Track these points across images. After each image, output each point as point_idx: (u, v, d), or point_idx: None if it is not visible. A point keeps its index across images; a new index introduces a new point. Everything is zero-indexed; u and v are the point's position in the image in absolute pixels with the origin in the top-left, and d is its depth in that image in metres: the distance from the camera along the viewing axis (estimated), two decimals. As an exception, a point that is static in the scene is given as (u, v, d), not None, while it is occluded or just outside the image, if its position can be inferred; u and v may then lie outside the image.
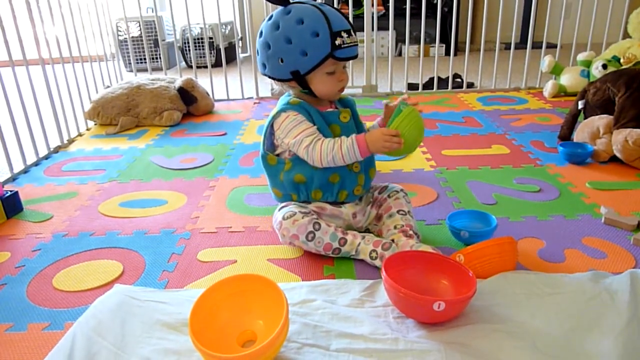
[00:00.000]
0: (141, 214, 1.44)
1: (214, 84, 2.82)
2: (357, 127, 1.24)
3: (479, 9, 3.81)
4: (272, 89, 2.83)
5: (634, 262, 1.10)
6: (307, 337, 0.87)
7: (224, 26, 4.02)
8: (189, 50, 3.15)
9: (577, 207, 1.37)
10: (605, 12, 2.65)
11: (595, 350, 0.81)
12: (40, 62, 2.03)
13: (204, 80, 2.71)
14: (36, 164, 1.93)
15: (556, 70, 2.68)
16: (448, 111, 2.42)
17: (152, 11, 3.95)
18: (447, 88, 2.85)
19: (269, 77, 1.17)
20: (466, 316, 0.90)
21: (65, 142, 2.17)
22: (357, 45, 1.13)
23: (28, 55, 1.89)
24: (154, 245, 1.27)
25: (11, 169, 1.79)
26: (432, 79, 2.88)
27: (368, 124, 1.30)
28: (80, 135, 2.31)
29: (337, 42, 1.07)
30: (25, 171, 1.85)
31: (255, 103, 2.76)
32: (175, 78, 2.60)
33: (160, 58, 3.85)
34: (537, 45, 2.86)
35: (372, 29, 2.75)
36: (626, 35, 2.60)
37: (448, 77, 2.88)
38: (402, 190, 1.25)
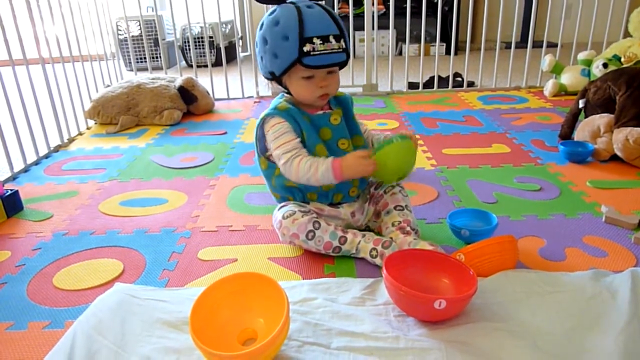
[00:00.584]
0: (141, 213, 1.44)
1: (214, 83, 2.82)
2: (350, 127, 1.21)
3: (479, 7, 3.81)
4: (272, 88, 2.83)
5: (634, 260, 1.10)
6: (308, 335, 0.87)
7: (224, 25, 4.02)
8: (189, 49, 3.15)
9: (578, 205, 1.37)
10: (605, 11, 2.65)
11: (596, 349, 0.81)
12: (40, 62, 2.03)
13: (204, 80, 2.71)
14: (36, 163, 1.93)
15: (557, 69, 2.68)
16: (448, 110, 2.42)
17: (152, 10, 3.95)
18: (448, 87, 2.85)
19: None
20: (467, 315, 0.90)
21: (66, 141, 2.17)
22: (335, 52, 1.05)
23: (28, 54, 1.89)
24: (154, 244, 1.27)
25: (11, 168, 1.79)
26: (432, 78, 2.88)
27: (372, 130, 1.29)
28: (80, 134, 2.31)
29: (306, 48, 1.03)
30: (25, 170, 1.85)
31: (255, 102, 2.76)
32: (176, 77, 2.60)
33: (160, 57, 3.85)
34: (537, 44, 2.86)
35: (373, 28, 2.74)
36: (627, 34, 2.60)
37: (448, 76, 2.88)
38: (398, 184, 1.25)
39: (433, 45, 4.22)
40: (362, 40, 3.92)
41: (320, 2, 1.09)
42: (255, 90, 2.84)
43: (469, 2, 2.66)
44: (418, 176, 1.61)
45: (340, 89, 1.19)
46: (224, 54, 2.80)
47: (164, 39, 3.86)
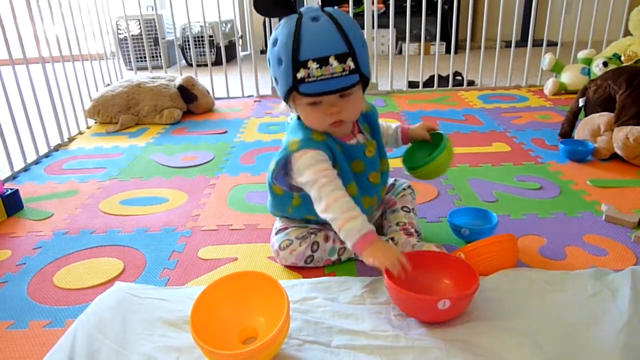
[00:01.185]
0: (142, 212, 1.44)
1: (214, 82, 2.82)
2: (379, 151, 1.09)
3: (479, 6, 3.81)
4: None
5: (634, 259, 1.10)
6: (309, 334, 0.87)
7: (224, 24, 4.02)
8: (189, 48, 3.15)
9: (578, 204, 1.37)
10: (606, 9, 2.65)
11: (596, 347, 0.81)
12: (40, 61, 2.03)
13: (204, 79, 2.71)
14: (36, 162, 1.93)
15: (557, 68, 2.68)
16: (449, 109, 2.42)
17: (152, 9, 3.95)
18: (448, 86, 2.85)
19: None
20: (467, 313, 0.90)
21: (66, 140, 2.17)
22: (337, 77, 0.88)
23: (28, 53, 1.89)
24: (154, 242, 1.27)
25: (11, 167, 1.79)
26: (432, 77, 2.88)
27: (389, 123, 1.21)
28: (80, 133, 2.31)
29: (300, 74, 0.87)
30: (25, 169, 1.85)
31: (255, 101, 2.76)
32: (176, 76, 2.60)
33: (160, 56, 3.85)
34: (537, 43, 2.86)
35: (373, 27, 2.74)
36: (627, 33, 2.60)
37: (449, 75, 2.88)
38: (409, 187, 1.22)
39: (433, 44, 4.22)
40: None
41: (332, 12, 0.91)
42: (256, 89, 2.83)
43: (469, 0, 2.66)
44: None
45: None
46: (224, 53, 2.80)
47: (163, 38, 3.86)
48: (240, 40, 4.20)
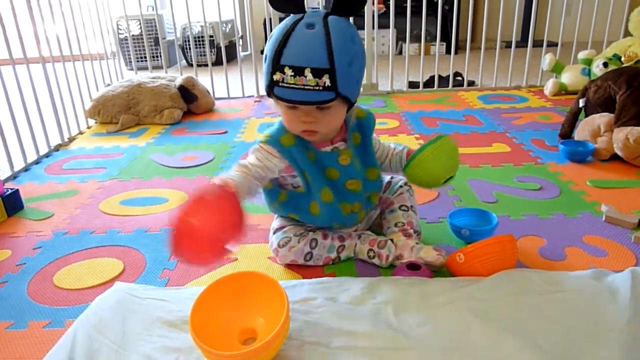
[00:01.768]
0: (142, 212, 1.44)
1: (215, 82, 2.82)
2: (365, 158, 1.09)
3: (479, 7, 3.81)
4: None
5: (634, 260, 1.10)
6: (308, 335, 0.87)
7: (224, 24, 4.02)
8: (190, 48, 3.14)
9: (578, 205, 1.37)
10: (606, 10, 2.65)
11: (596, 349, 0.81)
12: (40, 60, 2.03)
13: (204, 79, 2.71)
14: (37, 162, 1.93)
15: (557, 69, 2.68)
16: (449, 109, 2.42)
17: (153, 9, 3.95)
18: (448, 86, 2.85)
19: None
20: (466, 314, 0.90)
21: (66, 140, 2.17)
22: (309, 89, 0.86)
23: (28, 53, 1.89)
24: (154, 243, 1.27)
25: (12, 167, 1.79)
26: (432, 77, 2.88)
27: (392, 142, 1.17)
28: (81, 133, 2.31)
29: (276, 77, 0.88)
30: (26, 169, 1.85)
31: (255, 101, 2.76)
32: (176, 76, 2.60)
33: (160, 56, 3.84)
34: (538, 44, 2.86)
35: (373, 27, 2.74)
36: (627, 34, 2.60)
37: (449, 76, 2.88)
38: (406, 184, 1.21)
39: (433, 45, 4.22)
40: (362, 40, 3.92)
41: (335, 20, 0.89)
42: (256, 90, 2.83)
43: (469, 1, 2.66)
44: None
45: None
46: (224, 53, 2.80)
47: (164, 38, 3.86)
48: (241, 40, 4.20)
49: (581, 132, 1.77)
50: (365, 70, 2.71)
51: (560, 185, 1.50)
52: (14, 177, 1.77)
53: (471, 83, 2.89)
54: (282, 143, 1.00)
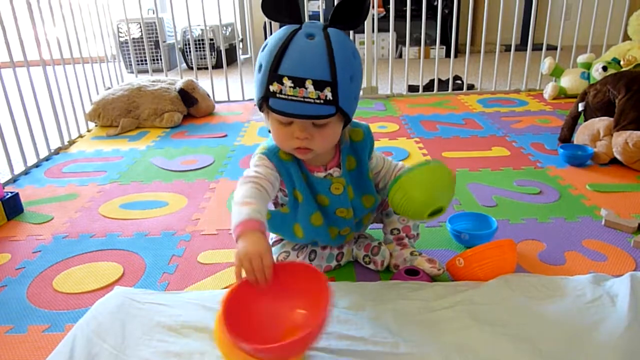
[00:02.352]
0: (142, 216, 1.44)
1: (215, 85, 2.83)
2: (361, 185, 1.02)
3: (479, 10, 3.81)
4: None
5: (634, 264, 1.10)
6: (308, 340, 0.87)
7: (224, 28, 4.02)
8: (190, 51, 3.15)
9: (578, 209, 1.37)
10: (605, 14, 2.65)
11: (596, 353, 0.81)
12: (41, 63, 2.04)
13: (204, 82, 2.71)
14: (37, 165, 1.93)
15: (556, 72, 2.68)
16: (448, 113, 2.42)
17: (153, 12, 3.95)
18: (448, 90, 2.85)
19: None
20: (466, 319, 0.90)
21: (66, 143, 2.17)
22: (308, 102, 0.81)
23: (29, 56, 1.89)
24: (154, 247, 1.27)
25: (12, 170, 1.79)
26: (432, 81, 2.88)
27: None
28: (80, 136, 2.31)
29: (273, 87, 0.82)
30: (25, 172, 1.85)
31: (255, 105, 2.76)
32: (176, 79, 2.60)
33: (161, 59, 3.85)
34: (537, 47, 2.86)
35: (373, 31, 2.75)
36: (626, 38, 2.60)
37: (448, 79, 2.88)
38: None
39: (433, 48, 4.22)
40: (362, 43, 3.92)
41: (336, 33, 0.84)
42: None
43: (469, 4, 2.66)
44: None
45: None
46: (225, 57, 2.80)
47: (164, 41, 3.87)
48: (241, 43, 4.20)
49: (580, 136, 1.77)
50: (365, 74, 2.73)
51: (560, 189, 1.50)
52: (13, 180, 1.77)
53: (471, 87, 2.90)
54: (281, 158, 0.95)
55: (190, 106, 2.49)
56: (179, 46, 3.68)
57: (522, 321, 0.89)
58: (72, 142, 2.21)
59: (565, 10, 2.72)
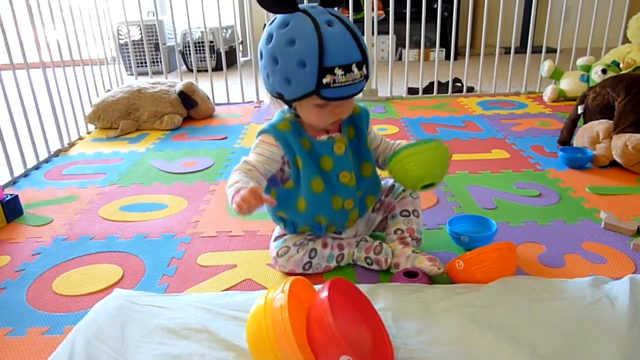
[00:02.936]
0: (141, 218, 1.44)
1: (215, 87, 2.83)
2: (360, 153, 1.09)
3: (479, 13, 3.82)
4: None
5: (633, 267, 1.10)
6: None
7: (224, 30, 4.03)
8: (190, 54, 3.15)
9: (577, 212, 1.37)
10: (604, 17, 2.66)
11: (595, 356, 0.81)
12: (41, 65, 2.04)
13: (204, 84, 2.71)
14: (36, 167, 1.93)
15: (556, 75, 2.68)
16: (448, 115, 2.42)
17: (153, 15, 3.95)
18: (447, 92, 2.85)
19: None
20: (465, 321, 0.90)
21: (66, 145, 2.17)
22: (357, 83, 0.92)
23: (29, 58, 1.89)
24: (153, 249, 1.27)
25: (11, 172, 1.79)
26: (432, 84, 2.88)
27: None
28: (80, 138, 2.31)
29: (326, 80, 0.89)
30: (25, 175, 1.85)
31: (255, 107, 2.77)
32: (176, 82, 2.60)
33: (160, 62, 3.85)
34: (536, 50, 2.86)
35: (373, 33, 2.75)
36: (625, 40, 2.61)
37: (448, 82, 2.88)
38: None
39: (433, 51, 4.23)
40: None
41: (339, 15, 0.93)
42: (256, 95, 2.84)
43: (469, 7, 2.67)
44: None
45: None
46: (224, 59, 2.80)
47: (164, 44, 3.87)
48: (241, 45, 4.21)
49: (580, 139, 1.77)
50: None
51: (560, 192, 1.50)
52: (13, 182, 1.77)
53: (470, 89, 2.90)
54: (278, 128, 1.02)
55: (190, 108, 2.49)
56: (178, 48, 3.68)
57: (522, 324, 0.89)
58: (71, 144, 2.21)
59: (564, 12, 2.73)
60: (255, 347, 0.76)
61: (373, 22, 2.73)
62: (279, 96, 0.99)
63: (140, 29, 3.64)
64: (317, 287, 0.85)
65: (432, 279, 1.06)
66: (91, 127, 2.46)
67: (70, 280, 1.14)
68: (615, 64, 2.38)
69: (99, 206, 1.54)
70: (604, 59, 2.59)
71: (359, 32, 0.94)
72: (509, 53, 2.78)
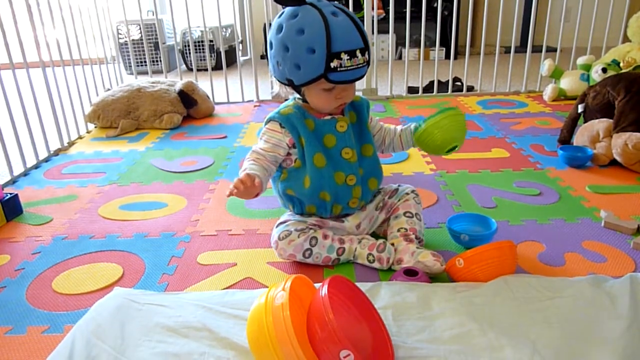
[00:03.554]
0: (141, 217, 1.44)
1: (214, 87, 2.83)
2: (361, 135, 1.17)
3: (479, 12, 3.82)
4: (271, 91, 2.83)
5: (633, 266, 1.10)
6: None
7: (224, 29, 4.02)
8: (190, 53, 3.15)
9: (577, 210, 1.37)
10: (605, 16, 2.66)
11: (595, 355, 0.81)
12: (40, 65, 2.03)
13: (204, 83, 2.71)
14: (36, 166, 1.93)
15: (556, 74, 2.68)
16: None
17: (153, 14, 3.95)
18: (447, 91, 2.85)
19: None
20: (465, 319, 0.90)
21: (66, 144, 2.17)
22: (361, 67, 1.02)
23: (28, 57, 1.89)
24: (153, 248, 1.27)
25: (11, 171, 1.79)
26: (432, 83, 2.88)
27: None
28: (80, 138, 2.31)
29: (333, 64, 0.98)
30: (25, 174, 1.85)
31: (255, 106, 2.77)
32: (176, 81, 2.60)
33: (160, 61, 3.85)
34: (537, 49, 2.86)
35: (372, 33, 2.75)
36: (626, 39, 2.60)
37: (448, 81, 2.88)
38: (413, 191, 1.23)
39: (433, 50, 4.22)
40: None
41: (341, 7, 1.02)
42: (256, 94, 2.84)
43: (469, 6, 2.67)
44: (417, 181, 1.61)
45: None
46: (224, 58, 2.80)
47: (164, 43, 3.87)
48: (241, 45, 4.20)
49: (580, 138, 1.77)
50: (365, 75, 2.73)
51: (560, 190, 1.50)
52: (13, 181, 1.77)
53: (470, 88, 2.90)
54: (282, 113, 1.11)
55: (190, 107, 2.49)
56: (178, 48, 3.68)
57: (522, 322, 0.89)
58: (71, 144, 2.21)
59: (565, 12, 2.73)
60: (256, 345, 0.76)
61: (373, 21, 2.73)
62: (289, 82, 1.07)
63: (140, 28, 3.64)
64: (317, 285, 0.85)
65: (432, 278, 1.06)
66: (91, 126, 2.46)
67: (70, 279, 1.14)
68: (616, 63, 2.38)
69: (99, 205, 1.54)
70: (604, 58, 2.59)
71: (360, 22, 1.02)
72: (509, 52, 2.78)
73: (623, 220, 1.27)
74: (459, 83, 2.93)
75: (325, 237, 1.12)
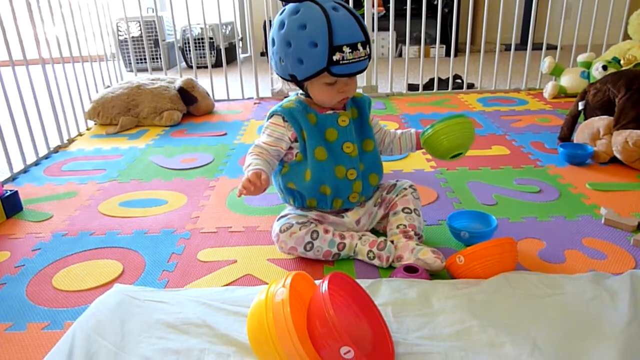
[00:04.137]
0: (141, 214, 1.44)
1: (214, 84, 2.83)
2: (362, 130, 1.17)
3: (479, 9, 3.81)
4: (272, 88, 2.83)
5: (633, 262, 1.10)
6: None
7: (224, 26, 4.02)
8: (189, 50, 3.15)
9: (577, 208, 1.37)
10: (605, 13, 2.65)
11: (595, 351, 0.81)
12: (40, 62, 2.03)
13: (204, 81, 2.71)
14: (36, 163, 1.93)
15: (556, 72, 2.68)
16: (448, 112, 2.42)
17: (153, 11, 3.95)
18: (448, 89, 2.85)
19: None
20: (466, 316, 0.90)
21: (65, 141, 2.17)
22: (363, 60, 1.03)
23: (28, 55, 1.89)
24: (153, 245, 1.27)
25: (11, 168, 1.79)
26: (432, 80, 2.88)
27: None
28: (80, 135, 2.31)
29: (336, 57, 0.99)
30: (25, 171, 1.85)
31: (255, 103, 2.76)
32: (176, 78, 2.60)
33: (160, 58, 3.85)
34: (537, 47, 2.86)
35: (373, 30, 2.75)
36: (626, 37, 2.60)
37: (448, 78, 2.88)
38: (411, 186, 1.23)
39: (433, 47, 4.22)
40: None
41: (341, 2, 1.04)
42: (256, 92, 2.84)
43: (469, 4, 2.66)
44: (418, 178, 1.61)
45: None
46: (224, 55, 2.80)
47: (164, 40, 3.87)
48: (241, 42, 4.20)
49: (580, 135, 1.77)
50: (365, 73, 2.73)
51: (560, 188, 1.50)
52: (13, 178, 1.77)
53: (470, 86, 2.90)
54: (284, 107, 1.12)
55: (190, 105, 2.49)
56: (178, 45, 3.68)
57: (522, 319, 0.89)
58: (71, 141, 2.21)
59: (565, 9, 2.72)
60: (257, 341, 0.76)
61: (373, 18, 2.73)
62: (292, 78, 1.07)
63: (140, 25, 3.64)
64: (317, 281, 0.85)
65: (432, 275, 1.06)
66: (91, 123, 2.46)
67: (70, 276, 1.14)
68: (616, 60, 2.37)
69: (99, 202, 1.54)
70: (605, 55, 2.58)
71: (360, 16, 1.03)
72: (510, 50, 2.78)
73: (623, 217, 1.27)
74: (459, 80, 2.93)
75: (326, 231, 1.13)
